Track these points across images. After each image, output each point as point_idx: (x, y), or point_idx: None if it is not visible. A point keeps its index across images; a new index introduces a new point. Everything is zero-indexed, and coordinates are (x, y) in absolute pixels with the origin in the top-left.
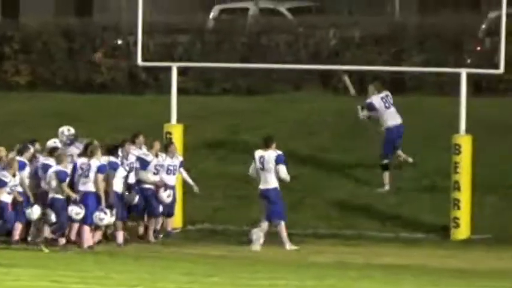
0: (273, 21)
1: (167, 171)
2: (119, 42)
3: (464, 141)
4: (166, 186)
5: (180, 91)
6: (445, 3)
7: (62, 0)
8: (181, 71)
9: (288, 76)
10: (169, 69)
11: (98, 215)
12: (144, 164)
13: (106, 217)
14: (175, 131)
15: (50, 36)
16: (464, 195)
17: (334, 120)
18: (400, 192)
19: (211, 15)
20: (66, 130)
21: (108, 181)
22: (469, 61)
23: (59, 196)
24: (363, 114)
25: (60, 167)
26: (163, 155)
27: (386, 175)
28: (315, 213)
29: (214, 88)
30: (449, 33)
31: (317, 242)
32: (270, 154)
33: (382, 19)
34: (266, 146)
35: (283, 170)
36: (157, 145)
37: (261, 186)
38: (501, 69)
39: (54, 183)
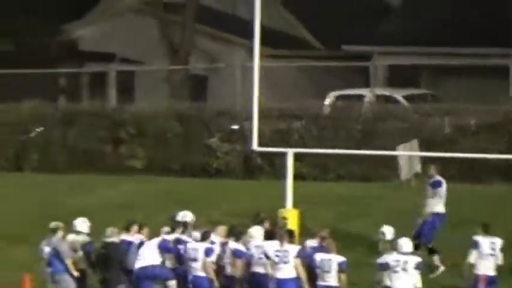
0: (388, 108)
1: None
2: (235, 127)
3: None
4: None
5: (294, 177)
6: None
7: (177, 87)
8: (296, 157)
9: None
10: (284, 154)
11: None
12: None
13: None
14: (291, 216)
15: (164, 120)
16: None
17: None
18: None
19: (327, 101)
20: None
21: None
22: None
23: None
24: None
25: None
26: None
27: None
28: None
29: (329, 174)
30: None
31: None
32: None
33: (496, 107)
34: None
35: None
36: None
37: None
38: None
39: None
